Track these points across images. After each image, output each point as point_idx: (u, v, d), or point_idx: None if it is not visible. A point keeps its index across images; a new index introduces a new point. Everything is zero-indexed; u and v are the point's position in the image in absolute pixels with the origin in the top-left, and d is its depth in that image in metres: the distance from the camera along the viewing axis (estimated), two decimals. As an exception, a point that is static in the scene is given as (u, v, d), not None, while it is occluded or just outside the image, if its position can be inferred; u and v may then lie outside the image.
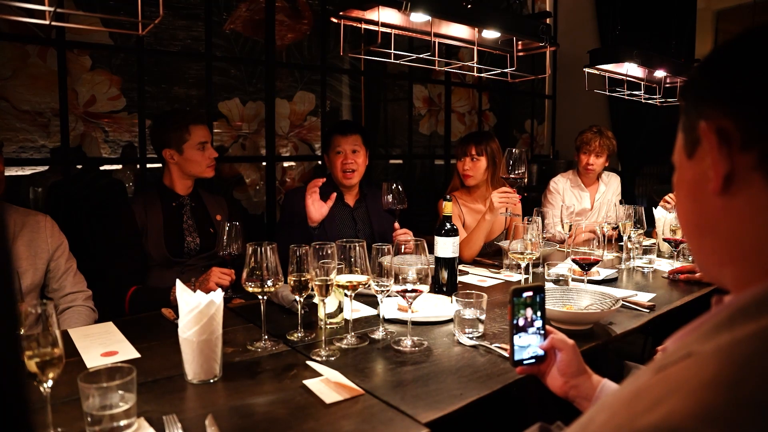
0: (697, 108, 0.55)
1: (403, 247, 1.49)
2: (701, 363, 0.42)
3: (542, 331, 1.11)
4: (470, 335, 1.44)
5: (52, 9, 1.31)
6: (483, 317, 1.46)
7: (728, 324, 0.45)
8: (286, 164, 3.26)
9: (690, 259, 2.43)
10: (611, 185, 3.28)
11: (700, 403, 0.38)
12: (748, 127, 0.49)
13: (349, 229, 2.44)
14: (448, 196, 1.91)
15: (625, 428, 0.40)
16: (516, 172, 2.20)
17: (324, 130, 3.30)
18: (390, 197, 2.13)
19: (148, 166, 2.68)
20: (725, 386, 0.38)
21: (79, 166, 2.57)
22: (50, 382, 0.93)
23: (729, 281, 0.55)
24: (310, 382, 1.16)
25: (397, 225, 2.20)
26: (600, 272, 2.13)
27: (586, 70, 2.90)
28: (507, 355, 1.22)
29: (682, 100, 0.58)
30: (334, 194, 2.19)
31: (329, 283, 1.35)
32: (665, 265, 2.34)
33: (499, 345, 1.36)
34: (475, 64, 2.22)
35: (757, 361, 0.39)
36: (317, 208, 2.14)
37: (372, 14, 1.89)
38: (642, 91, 3.19)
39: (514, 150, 2.20)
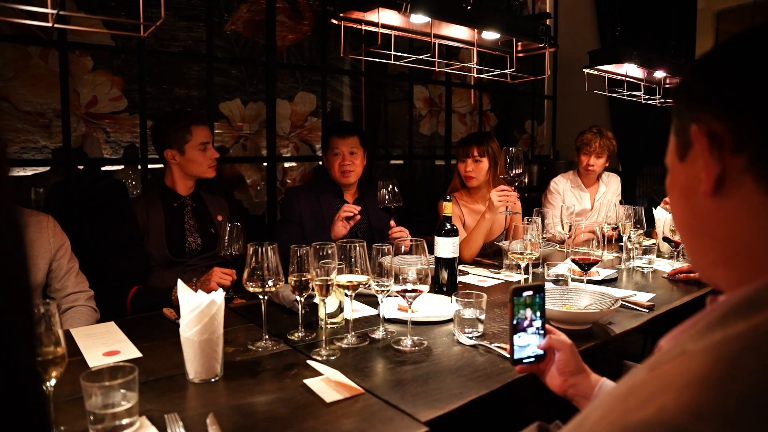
0: (689, 111, 0.55)
1: (402, 247, 1.50)
2: (693, 360, 0.42)
3: (542, 331, 1.12)
4: (470, 335, 1.44)
5: (54, 11, 1.32)
6: (483, 317, 1.47)
7: (721, 322, 0.46)
8: (287, 165, 3.26)
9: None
10: (611, 185, 3.28)
11: (691, 399, 0.38)
12: (739, 130, 0.50)
13: None
14: (448, 197, 1.91)
15: (617, 424, 0.41)
16: (514, 171, 2.21)
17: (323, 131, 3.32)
18: (385, 195, 2.15)
19: (150, 166, 2.69)
20: (716, 383, 0.39)
21: (81, 167, 2.58)
22: (53, 381, 0.94)
23: (722, 281, 0.55)
24: (310, 381, 1.17)
25: (393, 223, 2.21)
26: (599, 272, 2.14)
27: (586, 70, 2.91)
28: (506, 355, 1.23)
29: (674, 103, 0.59)
30: (359, 217, 2.22)
31: (330, 283, 1.36)
32: (665, 266, 2.35)
33: (498, 345, 1.37)
34: (474, 65, 2.23)
35: (747, 359, 0.40)
36: (340, 229, 2.19)
37: (372, 15, 1.90)
38: (642, 92, 3.20)
39: (511, 149, 2.20)
